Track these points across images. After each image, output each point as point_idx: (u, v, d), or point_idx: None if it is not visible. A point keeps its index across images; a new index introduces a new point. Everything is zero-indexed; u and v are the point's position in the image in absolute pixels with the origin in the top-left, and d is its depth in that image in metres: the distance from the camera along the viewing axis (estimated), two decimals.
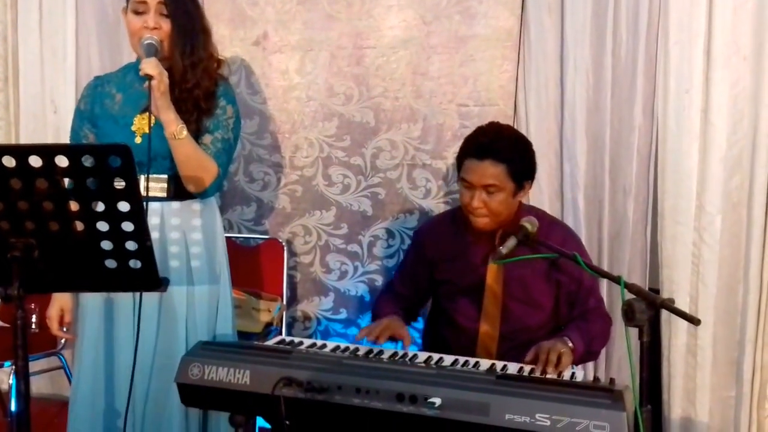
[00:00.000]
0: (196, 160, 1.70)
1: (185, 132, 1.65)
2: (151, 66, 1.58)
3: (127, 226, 1.17)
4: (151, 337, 1.71)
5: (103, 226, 1.18)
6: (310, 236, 2.55)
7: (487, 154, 1.75)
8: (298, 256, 2.56)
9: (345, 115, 2.48)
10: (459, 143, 2.36)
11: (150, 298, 1.68)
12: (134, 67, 1.80)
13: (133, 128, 1.72)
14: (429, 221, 2.13)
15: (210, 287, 1.79)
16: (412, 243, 2.06)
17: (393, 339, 1.73)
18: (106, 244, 1.20)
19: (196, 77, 1.72)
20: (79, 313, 1.78)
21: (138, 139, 1.71)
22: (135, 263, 1.21)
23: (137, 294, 1.66)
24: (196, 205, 1.78)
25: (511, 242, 1.63)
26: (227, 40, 2.50)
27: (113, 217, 1.17)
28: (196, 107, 1.72)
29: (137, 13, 1.69)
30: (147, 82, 1.59)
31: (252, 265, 2.52)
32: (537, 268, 1.82)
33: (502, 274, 1.82)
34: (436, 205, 2.45)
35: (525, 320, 1.82)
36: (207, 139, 1.74)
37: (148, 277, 1.23)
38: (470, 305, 1.85)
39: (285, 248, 2.50)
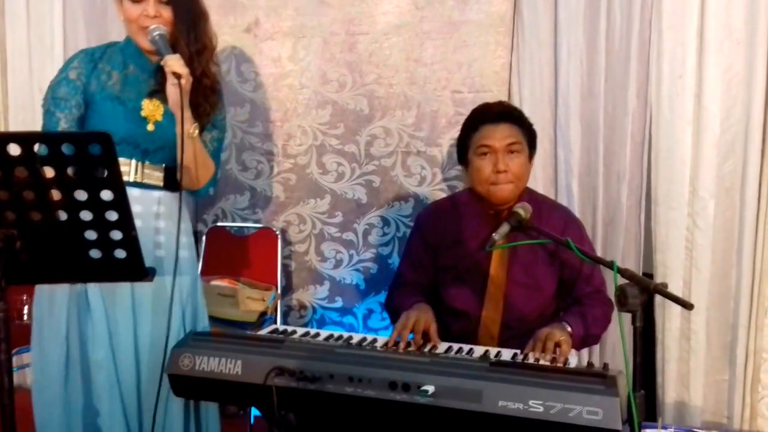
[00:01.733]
0: (201, 158, 1.67)
1: (197, 131, 1.62)
2: (179, 64, 1.54)
3: (111, 216, 1.14)
4: (144, 329, 1.64)
5: (86, 215, 1.15)
6: (305, 225, 2.51)
7: (503, 118, 1.79)
8: (292, 245, 2.53)
9: (338, 103, 2.44)
10: (453, 130, 2.36)
11: (144, 289, 1.62)
12: (124, 48, 1.71)
13: (144, 114, 1.64)
14: (429, 207, 2.09)
15: (191, 278, 1.74)
16: (414, 229, 2.01)
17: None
18: (90, 234, 1.16)
19: (202, 65, 1.66)
20: (41, 303, 1.65)
21: (150, 126, 1.64)
22: (120, 253, 1.17)
23: (117, 286, 1.59)
24: (176, 196, 1.71)
25: (504, 228, 1.60)
26: (217, 27, 2.34)
27: (96, 206, 1.13)
28: (204, 99, 1.67)
29: (134, 0, 1.61)
30: (173, 80, 1.53)
31: (246, 254, 2.49)
32: (539, 251, 1.80)
33: (507, 258, 1.80)
34: (431, 193, 2.42)
35: (528, 304, 1.80)
36: (206, 136, 1.71)
37: (134, 267, 1.19)
38: (472, 291, 1.82)
39: (279, 237, 2.47)
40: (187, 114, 1.58)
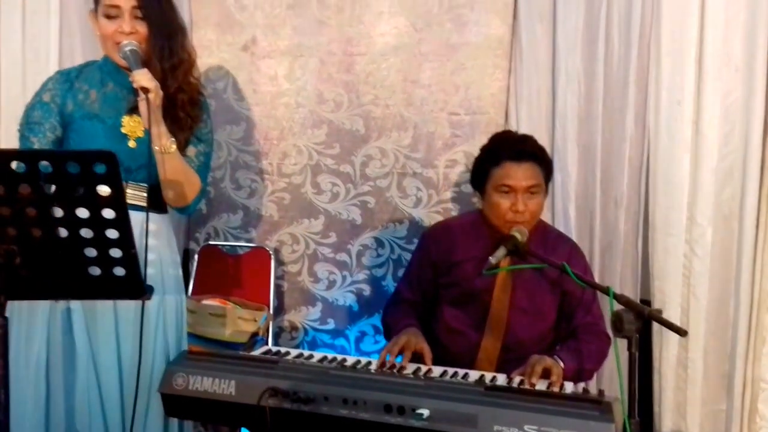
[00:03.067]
0: (183, 174, 1.68)
1: (174, 146, 1.64)
2: (146, 78, 1.56)
3: (112, 234, 1.19)
4: (127, 349, 1.65)
5: (87, 233, 1.19)
6: (298, 245, 2.56)
7: (526, 156, 1.83)
8: (285, 265, 2.57)
9: (334, 122, 2.50)
10: (450, 152, 2.44)
11: (127, 310, 1.64)
12: (102, 66, 1.75)
13: (124, 131, 1.67)
14: (436, 225, 2.14)
15: (177, 296, 1.78)
16: (417, 246, 2.07)
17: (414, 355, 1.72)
18: (90, 251, 1.21)
19: (178, 81, 1.68)
20: (21, 321, 1.64)
21: (132, 143, 1.67)
22: (119, 271, 1.23)
23: (99, 305, 1.62)
24: (166, 222, 1.76)
25: (501, 252, 1.67)
26: (215, 45, 2.52)
27: (97, 223, 1.18)
28: (185, 113, 1.70)
29: (110, 17, 1.64)
30: (142, 96, 1.55)
31: (238, 273, 2.53)
32: (542, 278, 1.85)
33: (510, 284, 1.84)
34: (427, 215, 2.47)
35: (528, 329, 1.85)
36: (191, 151, 1.73)
37: (133, 285, 1.24)
38: (473, 313, 1.87)
39: (272, 257, 2.51)
40: (162, 129, 1.60)
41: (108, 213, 1.17)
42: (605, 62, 2.26)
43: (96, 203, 1.16)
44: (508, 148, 1.85)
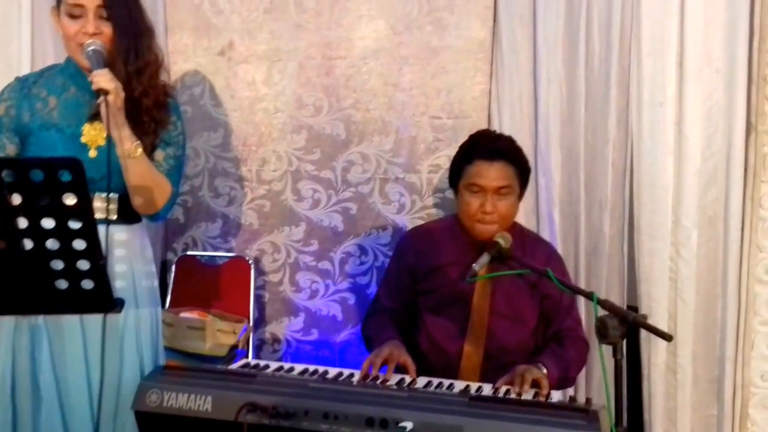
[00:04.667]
0: (150, 179, 1.63)
1: (140, 150, 1.59)
2: (106, 79, 1.50)
3: (79, 245, 1.16)
4: (95, 365, 1.60)
5: (53, 244, 1.16)
6: (279, 254, 2.53)
7: (499, 156, 1.81)
8: (266, 275, 2.54)
9: (314, 128, 2.48)
10: (432, 156, 2.43)
11: (94, 323, 1.59)
12: (64, 69, 1.70)
13: (84, 140, 1.62)
14: (410, 231, 2.14)
15: (152, 309, 1.75)
16: (395, 253, 2.06)
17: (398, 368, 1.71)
18: (57, 264, 1.17)
19: (143, 84, 1.63)
20: None
21: (92, 153, 1.62)
22: (87, 283, 1.19)
23: (67, 322, 1.58)
24: (135, 225, 1.71)
25: (484, 259, 1.65)
26: (190, 50, 2.49)
27: (64, 234, 1.15)
28: (150, 117, 1.65)
29: (73, 16, 1.59)
30: (101, 98, 1.50)
31: (217, 284, 2.49)
32: (521, 283, 1.84)
33: (489, 289, 1.83)
34: (410, 220, 2.46)
35: (509, 337, 1.84)
36: (159, 155, 1.68)
37: (102, 298, 1.20)
38: (453, 320, 1.86)
39: (252, 266, 2.48)
40: (125, 133, 1.55)
41: (74, 223, 1.14)
42: (586, 65, 2.26)
43: (62, 213, 1.12)
44: (482, 146, 1.85)
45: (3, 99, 1.66)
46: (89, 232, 1.13)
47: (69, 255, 1.16)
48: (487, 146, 1.84)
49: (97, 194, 1.61)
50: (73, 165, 1.10)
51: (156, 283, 1.81)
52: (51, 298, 1.21)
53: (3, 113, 1.65)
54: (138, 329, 1.70)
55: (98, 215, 1.57)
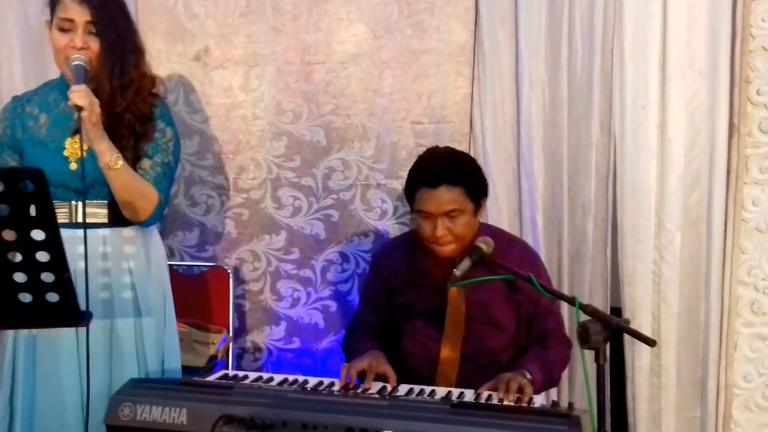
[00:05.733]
0: (135, 189, 1.69)
1: (121, 162, 1.64)
2: (80, 96, 1.55)
3: (43, 257, 1.14)
4: (100, 378, 1.65)
5: (15, 256, 1.15)
6: (259, 262, 2.53)
7: (440, 181, 1.78)
8: (246, 284, 2.54)
9: (294, 134, 2.48)
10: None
11: (94, 334, 1.62)
12: (57, 85, 1.78)
13: (66, 153, 1.69)
14: (385, 244, 2.17)
15: (157, 320, 1.78)
16: (370, 268, 2.09)
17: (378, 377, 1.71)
18: (20, 276, 1.16)
19: (127, 100, 1.70)
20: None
21: (73, 165, 1.69)
22: (52, 297, 1.18)
23: (65, 331, 1.61)
24: (137, 232, 1.77)
25: (466, 264, 1.66)
26: (164, 55, 2.49)
27: (27, 246, 1.13)
28: (130, 132, 1.71)
29: (63, 30, 1.66)
30: (76, 114, 1.56)
31: (196, 294, 2.48)
32: (496, 289, 1.86)
33: (464, 297, 1.84)
34: (392, 227, 2.47)
35: (487, 341, 1.85)
36: (146, 164, 1.73)
37: (68, 312, 1.19)
38: (430, 328, 1.87)
39: (231, 275, 2.47)
40: (103, 146, 1.61)
41: (37, 234, 1.12)
42: (569, 68, 2.29)
43: (24, 224, 1.11)
44: (423, 171, 1.83)
45: (0, 120, 1.78)
46: (53, 243, 1.12)
47: (32, 267, 1.14)
48: (428, 171, 1.82)
49: (88, 201, 1.68)
50: (34, 175, 1.08)
51: (165, 289, 1.84)
52: (16, 313, 1.19)
53: (1, 132, 1.76)
54: (142, 340, 1.73)
55: (95, 220, 1.68)
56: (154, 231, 1.83)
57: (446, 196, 1.77)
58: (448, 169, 1.80)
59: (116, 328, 1.71)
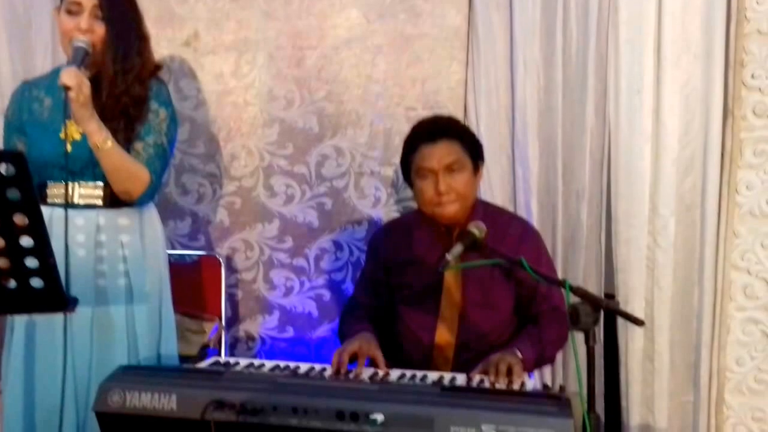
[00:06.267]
0: (125, 169, 1.72)
1: (110, 142, 1.67)
2: (68, 76, 1.60)
3: (26, 241, 1.13)
4: (83, 364, 1.69)
5: None
6: (252, 251, 2.53)
7: (439, 135, 1.84)
8: (239, 273, 2.54)
9: (286, 121, 2.48)
10: None
11: (81, 320, 1.67)
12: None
13: (62, 135, 1.72)
14: (381, 227, 2.19)
15: (150, 306, 1.79)
16: (367, 249, 2.09)
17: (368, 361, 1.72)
18: (2, 262, 1.15)
19: (126, 83, 1.74)
20: (6, 342, 1.76)
21: (69, 147, 1.72)
22: (37, 282, 1.17)
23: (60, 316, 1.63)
24: (134, 217, 1.79)
25: (458, 249, 1.67)
26: (154, 41, 2.39)
27: (10, 231, 1.12)
28: (124, 114, 1.74)
29: (70, 13, 1.71)
30: (64, 93, 1.60)
31: (188, 283, 2.48)
32: (494, 270, 1.87)
33: (461, 279, 1.86)
34: (387, 214, 2.48)
35: (483, 324, 1.86)
36: (138, 145, 1.76)
37: (53, 297, 1.18)
38: (427, 312, 1.88)
39: (223, 264, 2.47)
40: (92, 127, 1.64)
41: (20, 218, 1.12)
42: (563, 52, 2.29)
43: (5, 208, 1.10)
44: (420, 131, 1.89)
45: (9, 103, 1.85)
46: (36, 228, 1.11)
47: (15, 252, 1.13)
48: (427, 129, 1.88)
49: (82, 182, 1.73)
50: (15, 158, 1.08)
51: (163, 274, 1.86)
52: (0, 298, 1.18)
53: (10, 116, 1.83)
54: (134, 327, 1.75)
55: (89, 201, 1.73)
56: (152, 215, 1.86)
57: (446, 149, 1.81)
58: (445, 125, 1.88)
59: (108, 315, 1.72)
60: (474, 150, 1.89)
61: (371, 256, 2.03)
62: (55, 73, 1.83)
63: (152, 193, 1.79)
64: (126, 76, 1.74)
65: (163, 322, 1.84)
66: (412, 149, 1.86)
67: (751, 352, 2.23)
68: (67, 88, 1.59)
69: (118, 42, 1.72)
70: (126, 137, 1.73)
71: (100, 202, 1.73)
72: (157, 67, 1.85)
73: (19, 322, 1.73)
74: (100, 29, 1.71)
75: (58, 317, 1.64)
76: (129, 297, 1.75)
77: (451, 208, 1.81)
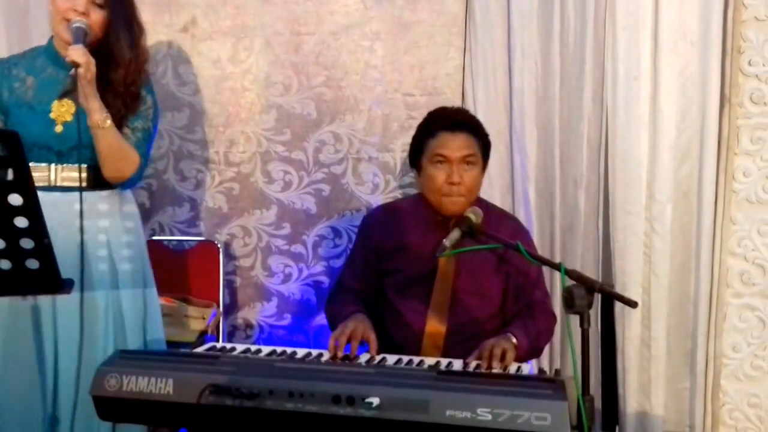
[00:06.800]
0: (119, 150, 1.74)
1: (109, 121, 1.70)
2: (78, 53, 1.62)
3: (21, 222, 1.13)
4: (71, 352, 1.68)
5: None
6: (250, 237, 2.52)
7: (461, 127, 1.85)
8: (237, 260, 2.54)
9: (284, 107, 2.47)
10: (406, 135, 2.42)
11: (68, 305, 1.65)
12: (45, 51, 1.81)
13: (52, 116, 1.73)
14: (373, 210, 2.17)
15: (134, 290, 1.79)
16: (358, 234, 2.08)
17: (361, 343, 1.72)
18: None
19: (136, 73, 1.77)
20: None
21: (59, 128, 1.73)
22: (32, 263, 1.17)
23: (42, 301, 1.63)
24: (114, 201, 1.80)
25: (455, 234, 1.66)
26: (151, 26, 2.41)
27: (4, 211, 1.12)
28: (121, 102, 1.76)
29: None
30: (73, 70, 1.62)
31: (186, 270, 2.48)
32: (486, 259, 1.87)
33: (453, 266, 1.85)
34: (384, 200, 2.48)
35: (474, 312, 1.87)
36: (127, 130, 1.79)
37: (48, 279, 1.18)
38: (418, 298, 1.88)
39: (221, 251, 2.47)
40: (95, 105, 1.67)
41: (15, 199, 1.11)
42: (561, 39, 2.28)
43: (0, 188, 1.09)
44: (443, 119, 1.88)
45: None
46: (31, 208, 1.10)
47: (10, 233, 1.13)
48: (449, 118, 1.88)
49: (66, 165, 1.73)
50: (9, 138, 1.07)
51: (144, 260, 1.85)
52: None
53: None
54: (116, 315, 1.75)
55: (71, 184, 1.71)
56: (130, 199, 1.86)
57: (465, 141, 1.83)
58: (468, 118, 1.91)
59: (93, 300, 1.72)
60: (485, 149, 1.91)
61: (362, 239, 2.01)
62: (36, 52, 1.83)
63: (140, 175, 1.83)
64: (136, 66, 1.77)
65: (148, 307, 1.84)
66: (430, 134, 1.86)
67: (747, 338, 2.24)
68: (76, 65, 1.61)
69: (120, 31, 1.74)
70: (116, 122, 1.74)
71: (84, 183, 1.73)
72: (149, 58, 1.87)
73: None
74: (95, 15, 1.71)
75: (29, 303, 1.64)
76: (114, 282, 1.76)
77: (458, 201, 1.82)
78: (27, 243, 1.17)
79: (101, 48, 1.73)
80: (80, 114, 1.70)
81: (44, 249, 1.16)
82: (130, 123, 1.79)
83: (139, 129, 1.80)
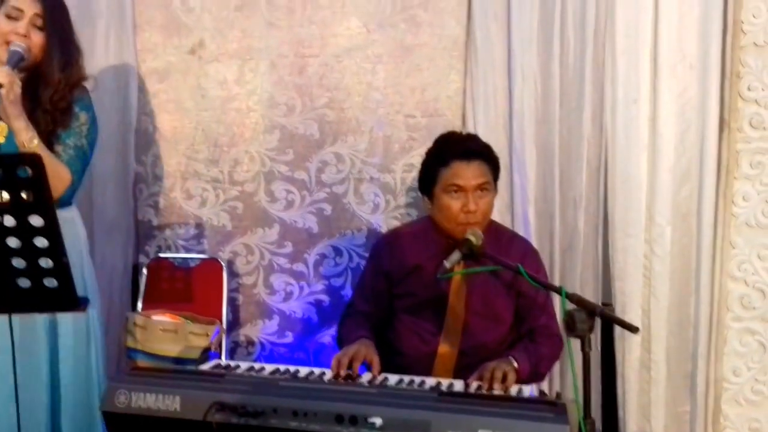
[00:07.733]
0: (49, 168, 1.71)
1: (36, 140, 1.73)
2: (2, 74, 1.66)
3: (41, 242, 1.17)
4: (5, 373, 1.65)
5: (13, 242, 1.18)
6: (253, 255, 2.56)
7: (475, 155, 1.86)
8: (239, 277, 2.56)
9: (287, 127, 2.51)
10: (407, 155, 2.46)
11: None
12: None
13: None
14: (385, 235, 2.18)
15: (75, 313, 1.79)
16: (369, 258, 2.09)
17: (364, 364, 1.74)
18: (18, 262, 1.19)
19: (65, 91, 1.82)
20: None
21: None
22: (50, 282, 1.21)
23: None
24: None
25: (455, 256, 1.69)
26: (160, 48, 2.52)
27: (25, 231, 1.16)
28: (51, 118, 1.81)
29: (10, 17, 1.77)
30: None
31: (190, 287, 2.51)
32: (497, 282, 1.88)
33: (465, 289, 1.87)
34: (385, 221, 2.49)
35: (484, 336, 1.87)
36: (58, 147, 1.83)
37: (66, 297, 1.22)
38: (429, 321, 1.89)
39: (225, 268, 2.50)
40: (20, 125, 1.70)
41: (35, 220, 1.16)
42: (561, 61, 2.31)
43: (21, 210, 1.14)
44: (456, 147, 1.88)
45: None
46: (50, 229, 1.15)
47: (30, 253, 1.17)
48: (462, 146, 1.88)
49: None
50: (31, 161, 1.12)
51: (90, 281, 1.88)
52: (15, 297, 1.22)
53: None
54: (60, 337, 1.77)
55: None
56: (74, 217, 1.89)
57: (480, 169, 1.84)
58: (481, 146, 1.91)
59: (31, 321, 1.73)
60: (497, 173, 1.92)
61: (373, 264, 2.03)
62: None
63: (72, 192, 1.84)
64: (66, 84, 1.81)
65: (90, 329, 1.85)
66: (443, 162, 1.86)
67: (747, 362, 2.23)
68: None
69: (62, 52, 1.80)
70: (47, 140, 1.78)
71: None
72: (85, 78, 1.91)
73: None
74: (36, 38, 1.77)
75: None
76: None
77: (476, 230, 1.81)
78: (46, 262, 1.20)
79: (35, 68, 1.79)
80: (12, 135, 1.74)
81: (63, 268, 1.19)
82: (62, 140, 1.82)
83: (71, 146, 1.83)
